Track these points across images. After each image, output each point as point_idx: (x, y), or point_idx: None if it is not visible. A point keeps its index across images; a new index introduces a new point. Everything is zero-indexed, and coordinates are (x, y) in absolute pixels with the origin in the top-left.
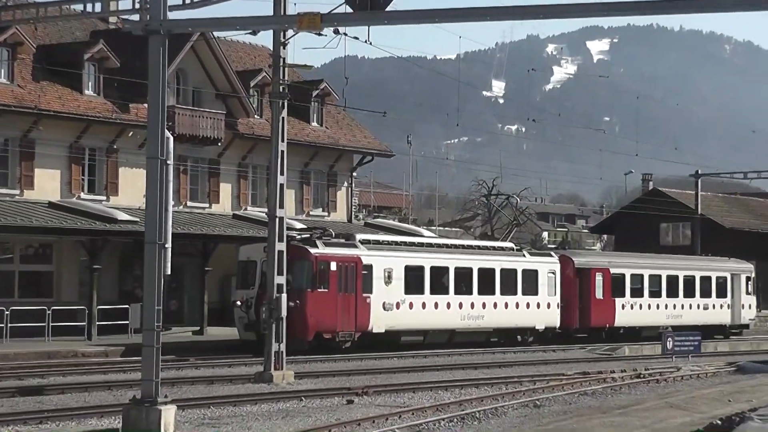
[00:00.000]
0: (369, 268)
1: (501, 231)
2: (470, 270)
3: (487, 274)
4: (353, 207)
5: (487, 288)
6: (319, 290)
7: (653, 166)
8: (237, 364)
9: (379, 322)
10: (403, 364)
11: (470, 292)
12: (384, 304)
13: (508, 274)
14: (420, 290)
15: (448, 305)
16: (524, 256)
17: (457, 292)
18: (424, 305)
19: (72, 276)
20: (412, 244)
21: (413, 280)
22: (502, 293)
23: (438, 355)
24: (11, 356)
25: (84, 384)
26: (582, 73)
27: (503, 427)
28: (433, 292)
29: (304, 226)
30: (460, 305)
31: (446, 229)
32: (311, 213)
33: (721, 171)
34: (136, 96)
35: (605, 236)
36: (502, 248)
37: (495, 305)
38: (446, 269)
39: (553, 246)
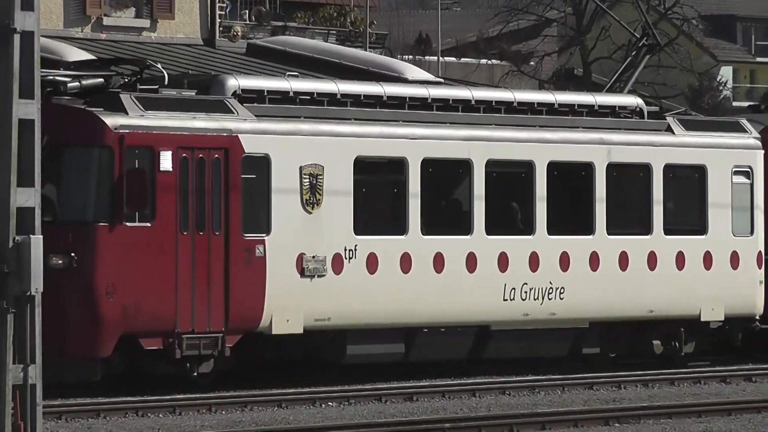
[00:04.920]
0: (261, 164)
1: (607, 67)
2: (529, 167)
3: (572, 179)
4: (220, 4)
5: (573, 216)
6: (128, 224)
7: None
8: None
9: (288, 306)
10: (350, 419)
11: (530, 229)
12: (302, 261)
13: (628, 180)
14: (396, 225)
15: (472, 262)
16: (671, 132)
17: (492, 229)
18: (407, 262)
19: None
20: (377, 101)
21: (378, 198)
22: (612, 230)
23: (445, 395)
24: None
25: None
26: None
27: None
28: (429, 228)
29: (92, 57)
30: (504, 261)
31: (465, 62)
32: (108, 22)
33: None
34: None
35: None
36: (611, 110)
37: (594, 261)
38: (466, 167)
39: (746, 103)
